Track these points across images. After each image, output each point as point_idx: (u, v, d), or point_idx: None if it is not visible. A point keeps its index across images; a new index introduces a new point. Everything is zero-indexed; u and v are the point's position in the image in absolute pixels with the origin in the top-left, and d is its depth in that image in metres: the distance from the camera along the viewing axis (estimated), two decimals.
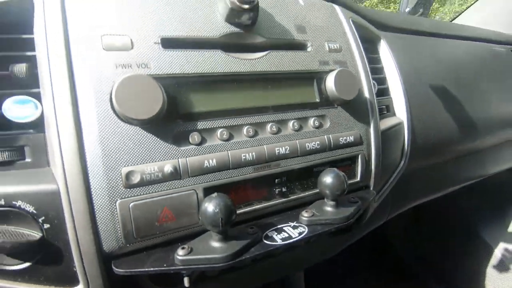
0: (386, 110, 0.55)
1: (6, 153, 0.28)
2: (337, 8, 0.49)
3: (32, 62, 0.30)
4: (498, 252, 1.00)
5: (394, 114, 0.56)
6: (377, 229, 0.68)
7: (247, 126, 0.35)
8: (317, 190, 0.37)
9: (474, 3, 1.16)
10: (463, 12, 1.12)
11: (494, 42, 0.87)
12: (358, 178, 0.44)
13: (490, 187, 1.12)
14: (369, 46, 0.55)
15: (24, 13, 0.30)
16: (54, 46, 0.29)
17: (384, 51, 0.57)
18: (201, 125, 0.33)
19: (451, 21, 1.13)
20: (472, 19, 1.11)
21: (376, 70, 0.54)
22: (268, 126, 0.37)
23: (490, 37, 0.86)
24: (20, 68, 0.30)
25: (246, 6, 0.35)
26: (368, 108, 0.45)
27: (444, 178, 0.80)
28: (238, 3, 0.34)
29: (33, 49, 0.30)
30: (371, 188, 0.47)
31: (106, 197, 0.28)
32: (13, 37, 0.30)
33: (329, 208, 0.37)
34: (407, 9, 1.35)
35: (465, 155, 0.78)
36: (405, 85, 0.57)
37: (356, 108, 0.43)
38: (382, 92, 0.55)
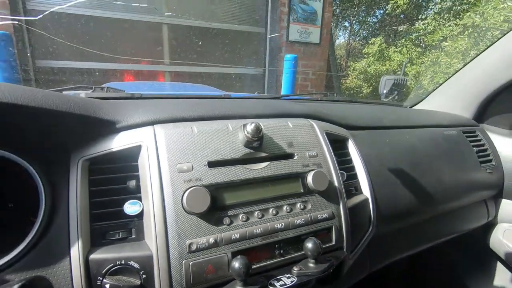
0: (355, 190, 0.77)
1: (123, 233, 0.50)
2: (315, 124, 0.74)
3: (137, 178, 0.54)
4: None
5: (361, 192, 0.77)
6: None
7: (256, 211, 0.57)
8: (303, 252, 0.58)
9: (435, 89, 1.45)
10: (424, 98, 1.40)
11: (446, 126, 1.12)
12: (333, 242, 0.64)
13: (469, 240, 1.27)
14: (339, 144, 0.79)
15: (135, 150, 0.55)
16: (152, 170, 0.53)
17: (351, 146, 0.80)
18: (230, 212, 0.55)
19: (411, 106, 1.41)
20: (432, 101, 1.39)
21: (345, 162, 0.77)
22: (270, 210, 0.59)
23: (442, 123, 1.11)
24: (132, 183, 0.53)
25: (256, 138, 0.59)
26: (338, 193, 0.67)
27: (416, 238, 0.98)
28: (251, 137, 0.59)
29: (137, 171, 0.54)
30: (344, 249, 0.66)
31: (177, 259, 0.49)
32: (128, 164, 0.54)
33: (311, 264, 0.57)
34: (384, 91, 1.66)
35: (431, 218, 0.97)
36: (369, 170, 0.79)
37: (329, 194, 0.65)
38: (351, 177, 0.77)
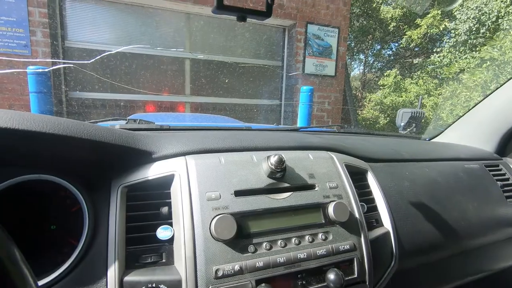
0: (376, 222, 0.77)
1: (155, 256, 0.54)
2: (334, 156, 0.77)
3: (169, 205, 0.58)
4: None
5: (382, 225, 0.78)
6: None
7: (280, 240, 0.59)
8: (325, 284, 0.58)
9: (455, 121, 1.46)
10: (443, 131, 1.41)
11: (466, 159, 1.11)
12: (356, 275, 0.64)
13: (503, 281, 1.20)
14: (359, 176, 0.81)
15: (168, 179, 0.60)
16: (183, 197, 0.57)
17: (371, 178, 0.82)
18: (254, 240, 0.57)
19: (430, 139, 1.41)
20: (452, 134, 1.39)
21: (365, 194, 0.79)
22: (293, 239, 0.60)
23: (462, 156, 1.11)
24: (164, 209, 0.57)
25: (279, 169, 0.63)
26: (358, 225, 0.68)
27: (442, 274, 0.94)
28: (274, 168, 0.63)
29: (170, 198, 0.58)
30: (367, 283, 0.66)
31: (204, 284, 0.51)
32: (162, 192, 0.59)
33: None
34: (402, 124, 1.68)
35: (457, 254, 0.94)
36: (389, 203, 0.80)
37: (350, 225, 0.67)
38: (372, 209, 0.78)
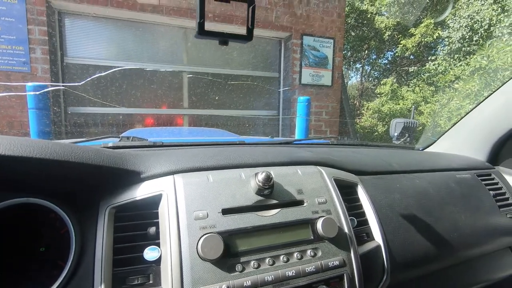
0: (367, 236, 0.77)
1: (142, 278, 0.54)
2: (323, 171, 0.77)
3: (156, 225, 0.58)
4: None
5: (373, 239, 0.78)
6: None
7: (268, 258, 0.59)
8: None
9: (447, 131, 1.47)
10: (436, 140, 1.42)
11: (458, 169, 1.12)
12: None
13: None
14: (349, 190, 0.81)
15: (156, 198, 0.60)
16: (170, 217, 0.57)
17: (361, 192, 0.83)
18: (242, 259, 0.57)
19: (423, 149, 1.42)
20: (444, 144, 1.40)
21: (355, 207, 0.79)
22: (281, 257, 0.60)
23: (454, 166, 1.12)
24: (152, 230, 0.58)
25: (267, 186, 0.64)
26: (348, 240, 0.68)
27: (437, 287, 0.93)
28: (262, 185, 0.63)
29: (157, 217, 0.59)
30: None
31: None
32: (149, 212, 0.59)
33: None
34: (395, 134, 1.69)
35: (452, 266, 0.94)
36: (380, 216, 0.80)
37: (339, 240, 0.67)
38: (362, 223, 0.78)
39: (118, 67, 3.94)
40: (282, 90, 4.92)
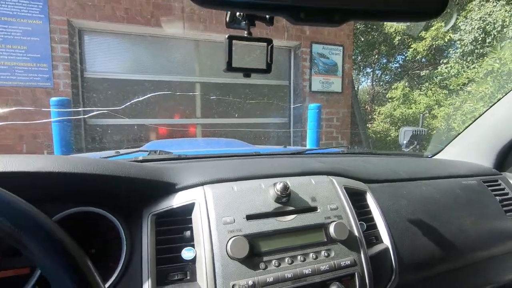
0: (376, 239, 0.85)
1: (181, 274, 0.63)
2: (335, 180, 0.86)
3: (190, 229, 0.68)
4: None
5: (382, 242, 0.85)
6: None
7: (287, 258, 0.68)
8: None
9: (455, 137, 1.52)
10: (444, 147, 1.47)
11: (464, 176, 1.17)
12: None
13: None
14: (358, 197, 0.89)
15: (189, 206, 0.70)
16: (203, 222, 0.67)
17: (370, 199, 0.90)
18: (265, 258, 0.66)
19: (432, 156, 1.48)
20: (452, 150, 1.45)
21: (364, 213, 0.87)
22: (298, 257, 0.69)
23: (460, 173, 1.18)
24: (187, 233, 0.67)
25: (284, 195, 0.73)
26: (358, 242, 0.76)
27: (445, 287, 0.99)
28: (280, 194, 0.72)
29: (191, 223, 0.68)
30: None
31: None
32: (184, 218, 0.69)
33: None
34: (404, 141, 1.75)
35: (459, 268, 1.00)
36: (388, 221, 0.88)
37: (350, 242, 0.75)
38: (371, 227, 0.86)
39: (138, 79, 4.14)
40: (293, 93, 5.01)
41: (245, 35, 0.56)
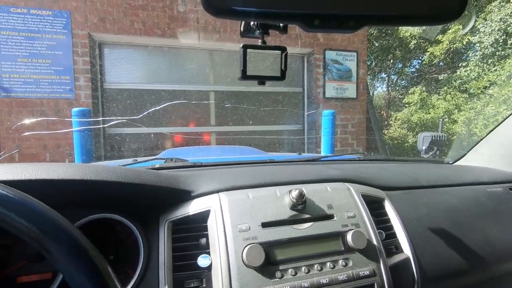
0: (396, 249, 0.82)
1: (196, 282, 0.63)
2: (351, 187, 0.84)
3: (206, 236, 0.68)
4: None
5: (402, 251, 0.82)
6: None
7: (303, 267, 0.67)
8: None
9: (478, 142, 1.46)
10: (467, 153, 1.42)
11: (489, 183, 1.12)
12: None
13: None
14: (376, 205, 0.87)
15: (205, 213, 0.70)
16: (218, 230, 0.67)
17: (388, 206, 0.88)
18: (281, 267, 0.65)
19: (453, 162, 1.42)
20: (475, 156, 1.40)
21: (383, 221, 0.84)
22: (315, 266, 0.68)
23: (484, 180, 1.13)
24: (203, 240, 0.68)
25: (300, 202, 0.72)
26: (377, 251, 0.74)
27: None
28: (296, 201, 0.72)
29: (207, 230, 0.69)
30: None
31: None
32: (200, 225, 0.70)
33: None
34: (423, 147, 1.70)
35: (487, 280, 0.94)
36: (408, 230, 0.85)
37: (368, 252, 0.73)
38: (390, 236, 0.83)
39: (156, 89, 4.25)
40: (307, 100, 4.99)
41: (259, 44, 0.57)
